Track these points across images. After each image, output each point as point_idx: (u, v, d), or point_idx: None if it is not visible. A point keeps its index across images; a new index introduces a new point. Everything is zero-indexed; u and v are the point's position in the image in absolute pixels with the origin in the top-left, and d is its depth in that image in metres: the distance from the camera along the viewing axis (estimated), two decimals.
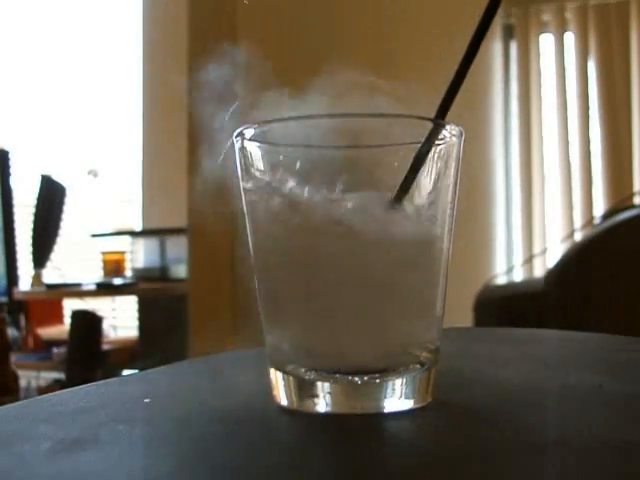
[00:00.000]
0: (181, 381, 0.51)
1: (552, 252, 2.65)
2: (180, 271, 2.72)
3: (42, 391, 2.54)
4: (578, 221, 2.76)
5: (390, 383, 0.38)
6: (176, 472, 0.30)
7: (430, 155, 0.39)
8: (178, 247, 2.71)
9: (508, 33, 2.94)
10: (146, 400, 0.42)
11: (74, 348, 2.55)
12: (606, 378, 0.46)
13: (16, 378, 1.80)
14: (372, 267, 0.38)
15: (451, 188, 0.40)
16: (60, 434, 0.35)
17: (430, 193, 0.40)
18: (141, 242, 2.98)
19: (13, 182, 3.12)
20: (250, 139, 0.40)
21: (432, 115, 0.39)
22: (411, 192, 0.39)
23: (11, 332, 2.34)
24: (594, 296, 1.56)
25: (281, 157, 0.39)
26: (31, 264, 3.03)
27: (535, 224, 2.83)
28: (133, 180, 3.32)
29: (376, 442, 0.34)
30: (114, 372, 2.52)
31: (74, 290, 2.77)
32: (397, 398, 0.38)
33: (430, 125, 0.39)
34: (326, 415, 0.38)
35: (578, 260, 1.61)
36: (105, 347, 2.69)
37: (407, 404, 0.39)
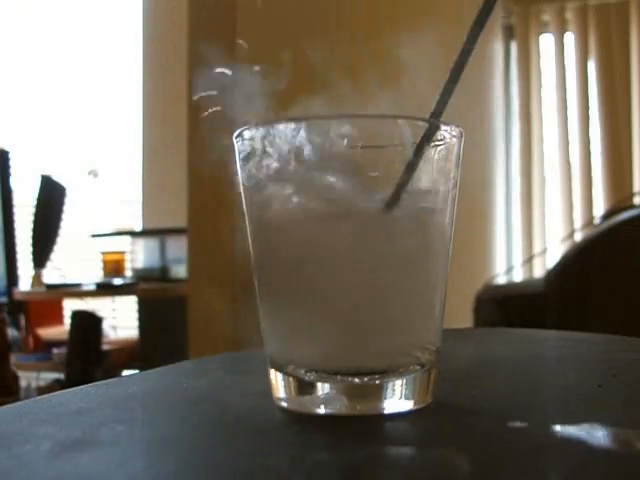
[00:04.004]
0: (181, 381, 0.51)
1: (552, 252, 2.65)
2: (180, 271, 2.71)
3: (42, 391, 2.53)
4: (578, 221, 2.76)
5: (390, 384, 0.38)
6: (176, 473, 0.30)
7: (430, 155, 0.39)
8: (178, 247, 2.71)
9: (508, 33, 2.94)
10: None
11: (74, 348, 2.55)
12: (606, 378, 0.46)
13: (16, 378, 1.80)
14: (372, 268, 0.38)
15: (451, 188, 0.41)
16: (60, 435, 0.35)
17: (430, 193, 0.40)
18: (141, 242, 2.98)
19: (13, 182, 3.12)
20: (250, 140, 0.40)
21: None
22: (411, 192, 0.39)
23: (11, 332, 2.34)
24: (594, 296, 1.56)
25: (282, 158, 0.39)
26: (31, 264, 3.03)
27: (535, 224, 2.84)
28: (133, 180, 3.32)
29: (376, 443, 0.34)
30: (114, 372, 2.52)
31: (74, 290, 2.77)
32: (397, 399, 0.38)
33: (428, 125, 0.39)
34: (326, 416, 0.38)
35: (578, 260, 1.61)
36: (105, 347, 2.69)
37: (407, 405, 0.39)
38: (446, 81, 0.39)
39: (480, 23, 0.39)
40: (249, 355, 0.59)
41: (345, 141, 0.38)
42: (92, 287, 2.68)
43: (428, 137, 0.38)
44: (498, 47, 2.89)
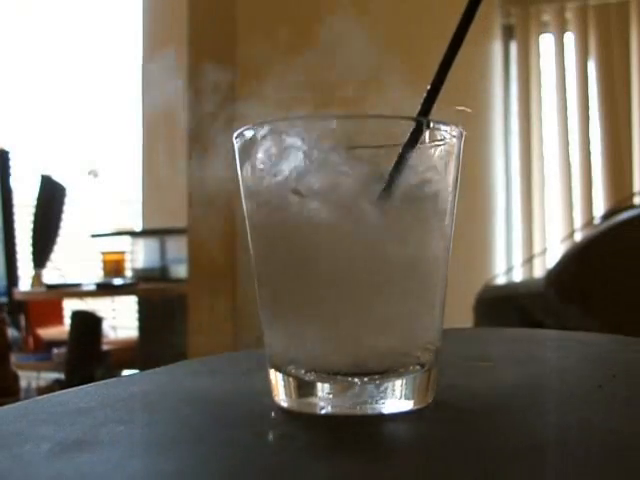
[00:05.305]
0: (181, 381, 0.51)
1: (552, 252, 2.65)
2: (180, 271, 2.71)
3: (42, 391, 2.54)
4: (578, 221, 2.76)
5: (390, 384, 0.38)
6: (176, 473, 0.30)
7: (430, 155, 0.39)
8: (178, 247, 2.71)
9: (508, 33, 2.94)
10: None
11: (74, 348, 2.55)
12: (606, 378, 0.46)
13: (16, 378, 1.80)
14: (372, 268, 0.38)
15: (451, 188, 0.41)
16: (60, 435, 0.35)
17: (430, 193, 0.40)
18: (141, 242, 2.98)
19: (13, 182, 3.12)
20: (250, 140, 0.40)
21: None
22: (411, 192, 0.39)
23: (11, 332, 2.34)
24: (594, 296, 1.56)
25: (281, 157, 0.39)
26: (31, 264, 3.03)
27: (535, 224, 2.83)
28: (133, 180, 3.32)
29: (376, 443, 0.34)
30: (114, 372, 2.52)
31: (74, 290, 2.77)
32: (397, 399, 0.38)
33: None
34: (326, 416, 0.38)
35: (578, 260, 1.61)
36: (105, 347, 2.69)
37: (407, 405, 0.39)
38: (432, 80, 0.39)
39: (462, 28, 0.39)
40: (249, 355, 0.59)
41: (343, 140, 0.38)
42: (92, 287, 2.68)
43: (415, 136, 0.38)
44: (498, 47, 2.88)
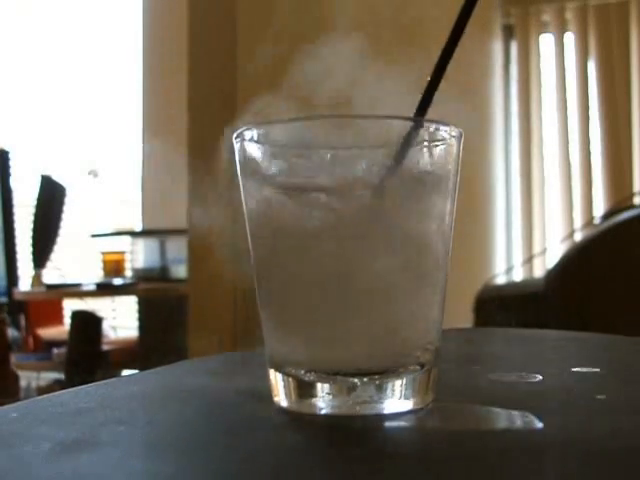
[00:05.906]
0: (181, 381, 0.51)
1: (552, 252, 2.66)
2: (180, 271, 2.71)
3: (42, 391, 2.53)
4: (578, 221, 2.76)
5: (390, 384, 0.38)
6: (176, 474, 0.30)
7: (430, 155, 0.39)
8: (178, 247, 2.71)
9: (508, 33, 2.94)
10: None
11: (74, 348, 2.55)
12: (606, 378, 0.46)
13: (16, 378, 1.80)
14: (372, 268, 0.38)
15: (451, 189, 0.41)
16: (60, 435, 0.35)
17: (430, 194, 0.40)
18: (141, 242, 2.98)
19: (13, 182, 3.12)
20: (250, 140, 0.40)
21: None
22: (411, 192, 0.39)
23: (11, 332, 2.34)
24: (594, 296, 1.56)
25: (281, 158, 0.39)
26: (31, 264, 3.03)
27: (535, 224, 2.84)
28: (133, 180, 3.32)
29: (376, 443, 0.34)
30: (114, 372, 2.52)
31: (74, 290, 2.77)
32: (397, 399, 0.38)
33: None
34: (326, 416, 0.38)
35: (578, 260, 1.61)
36: (105, 347, 2.69)
37: (407, 405, 0.38)
38: (429, 79, 0.39)
39: (459, 27, 0.39)
40: (249, 355, 0.59)
41: (343, 141, 0.38)
42: (92, 287, 2.68)
43: (413, 136, 0.38)
44: (498, 47, 2.89)
